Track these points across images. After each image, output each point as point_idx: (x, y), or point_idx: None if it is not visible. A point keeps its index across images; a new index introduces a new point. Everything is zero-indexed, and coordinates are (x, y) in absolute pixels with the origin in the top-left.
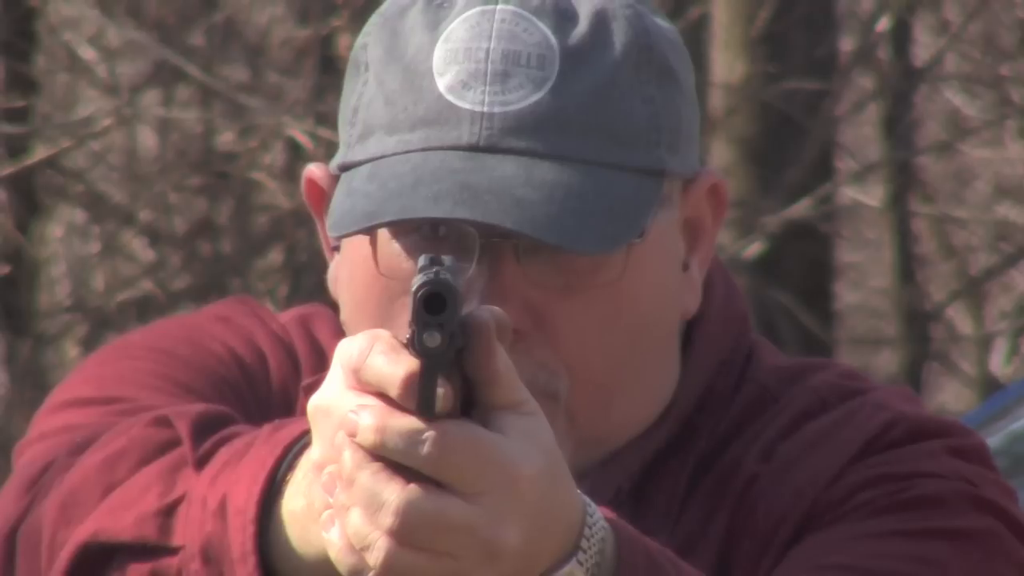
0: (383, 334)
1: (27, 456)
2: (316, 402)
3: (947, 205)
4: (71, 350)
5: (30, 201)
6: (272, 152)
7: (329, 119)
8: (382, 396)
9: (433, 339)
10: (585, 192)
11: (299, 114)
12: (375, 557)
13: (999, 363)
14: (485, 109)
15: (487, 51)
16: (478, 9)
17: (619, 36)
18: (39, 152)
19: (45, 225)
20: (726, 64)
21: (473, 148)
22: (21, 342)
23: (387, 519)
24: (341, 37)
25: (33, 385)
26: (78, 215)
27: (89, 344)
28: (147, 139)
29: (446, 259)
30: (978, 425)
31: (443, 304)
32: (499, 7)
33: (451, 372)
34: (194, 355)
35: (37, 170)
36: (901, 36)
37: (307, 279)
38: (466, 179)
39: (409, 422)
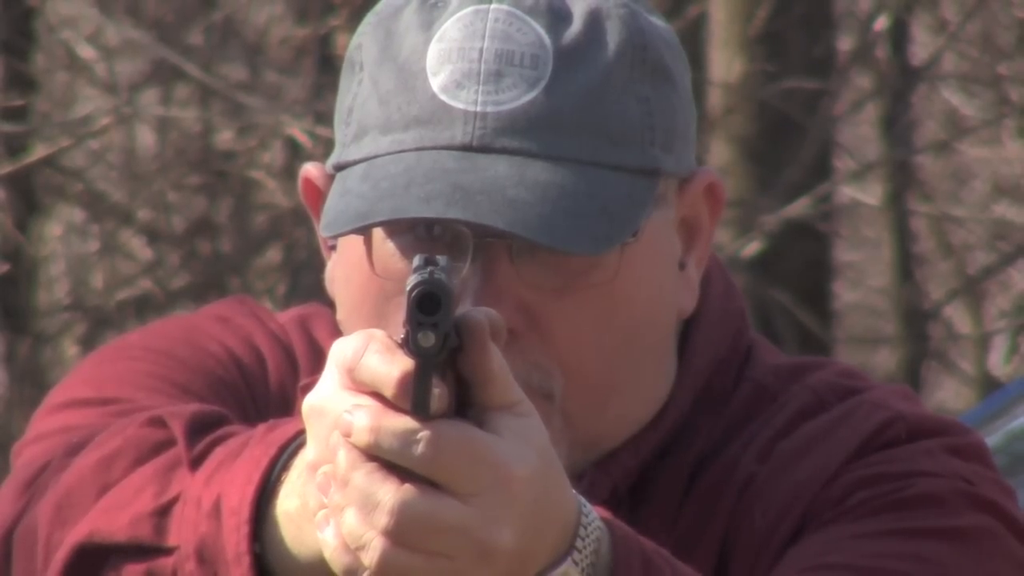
0: (378, 334)
1: (24, 457)
2: (311, 402)
3: (945, 204)
4: (70, 349)
5: (29, 200)
6: (271, 151)
7: (328, 118)
8: (377, 396)
9: (427, 339)
10: (578, 192)
11: (298, 113)
12: (370, 557)
13: (998, 362)
14: (478, 109)
15: (480, 51)
16: (472, 9)
17: (613, 36)
18: (38, 151)
19: (44, 224)
20: (724, 63)
21: (466, 148)
22: (20, 341)
23: (382, 519)
24: (339, 36)
25: (32, 384)
26: (77, 214)
27: (88, 343)
28: (146, 138)
29: (440, 259)
30: (977, 424)
31: (437, 304)
32: (493, 7)
33: (446, 372)
34: (192, 356)
35: (36, 169)
36: (899, 35)
37: (306, 278)
38: (458, 179)
39: (403, 422)
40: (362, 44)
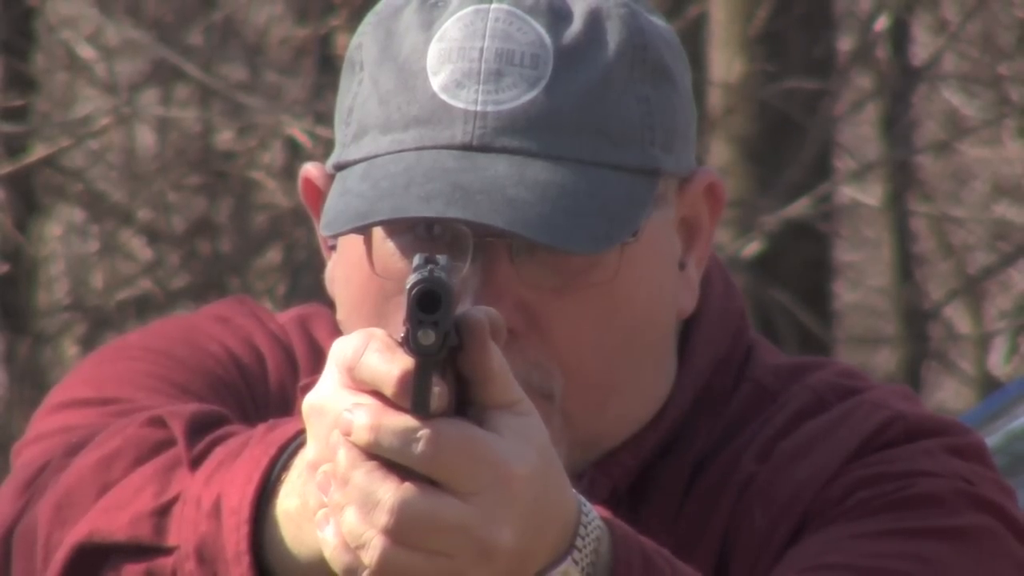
0: (378, 332)
1: (24, 457)
2: (311, 401)
3: (945, 204)
4: (70, 349)
5: (29, 200)
6: (271, 151)
7: (328, 118)
8: (377, 395)
9: (427, 337)
10: (578, 192)
11: (298, 113)
12: (370, 556)
13: (998, 362)
14: (478, 108)
15: (481, 50)
16: (472, 8)
17: (613, 35)
18: (38, 151)
19: (44, 224)
20: (724, 63)
21: (466, 147)
22: (20, 341)
23: (382, 518)
24: (339, 36)
25: (32, 384)
26: (77, 214)
27: (88, 343)
28: (146, 138)
29: (440, 258)
30: (977, 424)
31: (437, 302)
32: (493, 6)
33: (446, 371)
34: (192, 356)
35: (36, 169)
36: (899, 35)
37: (305, 278)
38: (458, 179)
39: (403, 421)
40: (362, 44)
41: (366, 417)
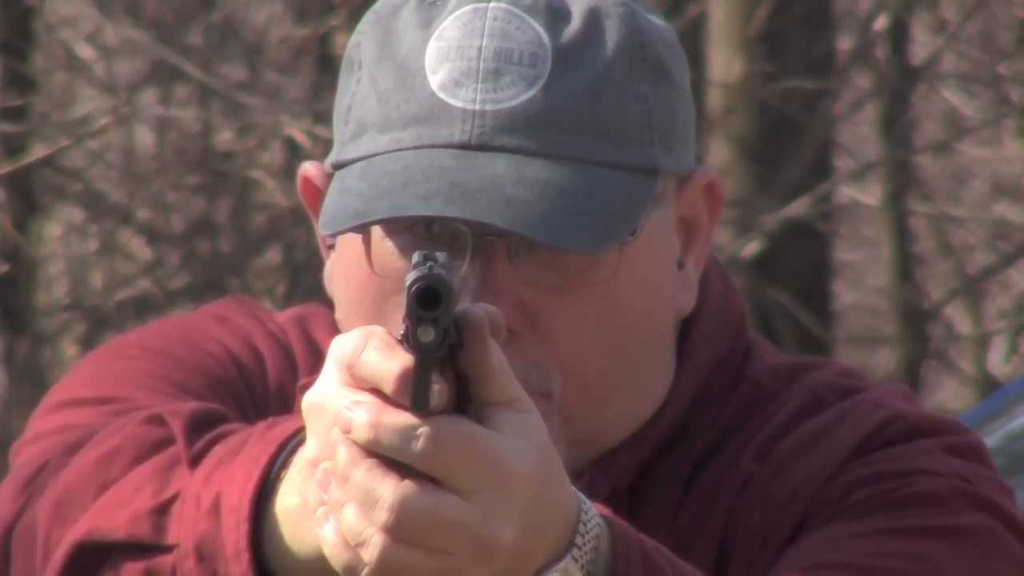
0: (377, 330)
1: (23, 456)
2: (310, 399)
3: (945, 204)
4: (69, 349)
5: (28, 200)
6: (270, 151)
7: (327, 118)
8: (376, 392)
9: (427, 334)
10: (577, 191)
11: (297, 113)
12: (370, 553)
13: (997, 362)
14: (477, 107)
15: (479, 49)
16: (471, 7)
17: (612, 34)
18: (37, 151)
19: (43, 224)
20: (724, 63)
21: (465, 146)
22: (19, 341)
23: (382, 515)
24: (339, 36)
25: (31, 384)
26: (76, 214)
27: (87, 343)
28: (145, 138)
29: (440, 255)
30: (976, 424)
31: (437, 299)
32: (492, 5)
33: (445, 369)
34: (190, 355)
35: (35, 169)
36: (899, 35)
37: (305, 277)
38: (457, 177)
39: (403, 418)
40: (361, 43)
41: (366, 415)
